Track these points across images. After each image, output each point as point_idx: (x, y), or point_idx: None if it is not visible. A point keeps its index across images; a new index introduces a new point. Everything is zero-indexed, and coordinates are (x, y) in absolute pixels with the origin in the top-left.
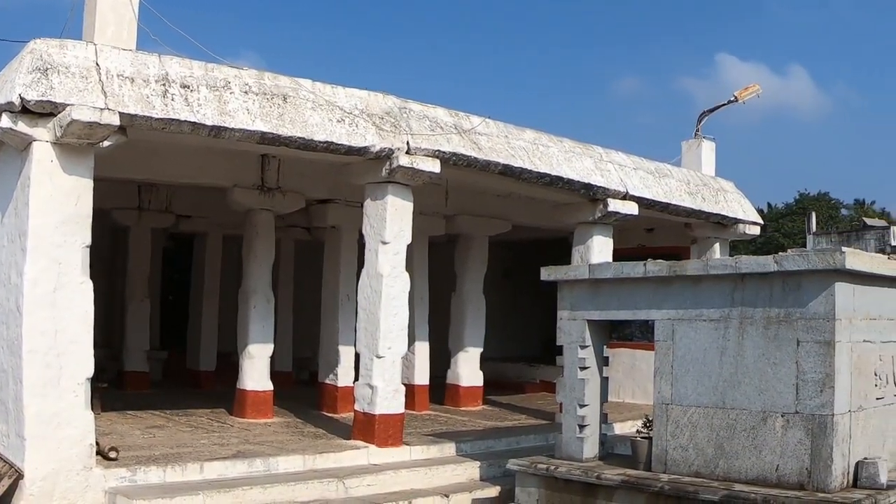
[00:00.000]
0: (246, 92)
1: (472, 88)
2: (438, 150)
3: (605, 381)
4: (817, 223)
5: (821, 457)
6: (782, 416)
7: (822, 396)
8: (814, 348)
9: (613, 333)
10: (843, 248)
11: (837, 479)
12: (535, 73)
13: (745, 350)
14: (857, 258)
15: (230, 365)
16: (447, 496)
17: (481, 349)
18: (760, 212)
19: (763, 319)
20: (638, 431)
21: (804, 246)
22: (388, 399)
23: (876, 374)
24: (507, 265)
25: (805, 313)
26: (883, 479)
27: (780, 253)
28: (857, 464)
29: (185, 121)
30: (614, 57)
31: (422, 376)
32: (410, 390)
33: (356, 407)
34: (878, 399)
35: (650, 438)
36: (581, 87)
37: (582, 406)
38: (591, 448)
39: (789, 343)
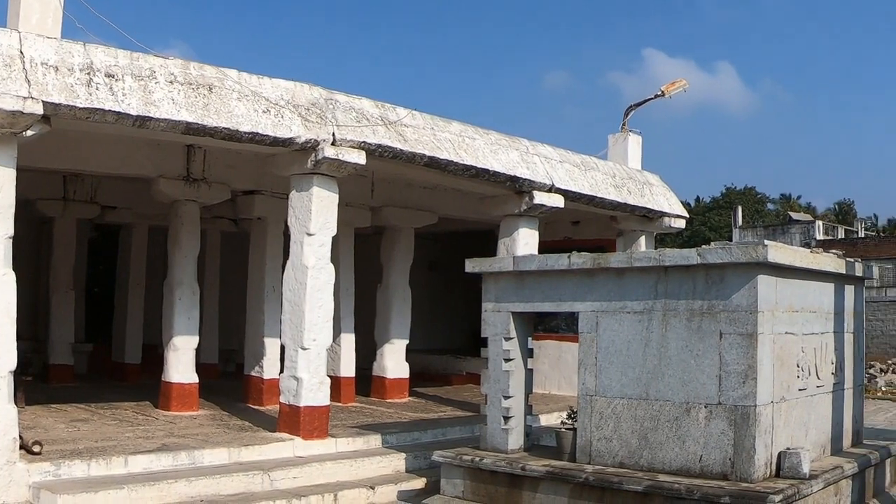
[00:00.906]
0: (171, 82)
1: (400, 81)
2: (364, 142)
3: (529, 373)
4: (744, 217)
5: (744, 447)
6: (706, 407)
7: (744, 388)
8: (736, 340)
9: (539, 325)
10: (766, 242)
11: (760, 469)
12: (463, 67)
13: (669, 342)
14: (780, 251)
15: (156, 357)
16: (373, 488)
17: (407, 341)
18: (687, 205)
19: (686, 311)
20: (563, 423)
21: (730, 239)
22: (313, 391)
23: (798, 366)
24: (433, 257)
25: (728, 305)
26: (805, 468)
27: (704, 246)
28: (779, 454)
29: (110, 110)
30: (543, 51)
31: (348, 368)
32: (336, 382)
33: (281, 399)
34: (800, 390)
35: (575, 430)
36: (510, 82)
37: (507, 398)
38: (516, 439)
39: (712, 335)
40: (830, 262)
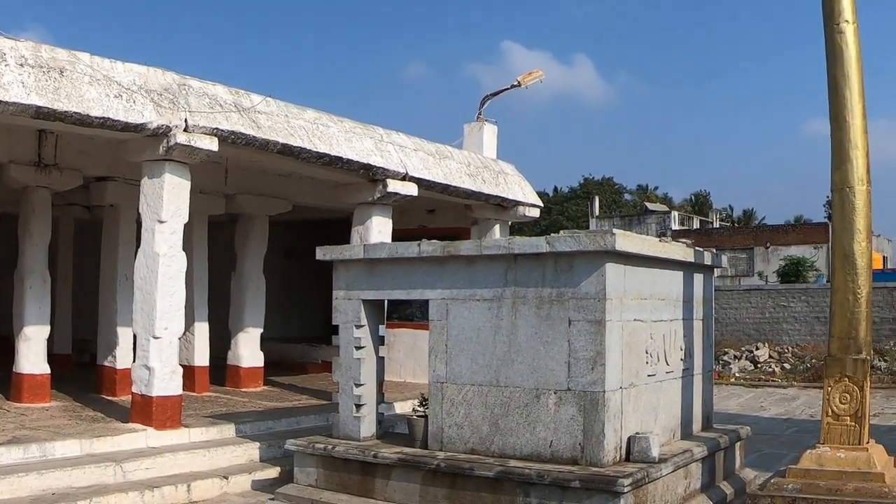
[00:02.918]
0: (21, 64)
1: (258, 73)
2: (217, 128)
3: (381, 361)
4: (601, 207)
5: (593, 432)
6: (555, 393)
7: (593, 374)
8: (585, 327)
9: (395, 314)
10: (614, 230)
11: (610, 453)
12: (321, 58)
13: (519, 329)
14: (628, 240)
15: (7, 348)
16: (227, 478)
17: (262, 329)
18: (545, 195)
19: (536, 299)
20: (414, 410)
21: (588, 229)
22: (165, 381)
23: (647, 352)
24: (289, 245)
25: (577, 293)
26: (654, 452)
27: (553, 234)
28: (629, 438)
29: None
30: (402, 42)
31: (201, 357)
32: (190, 372)
33: (133, 389)
34: (649, 376)
35: (427, 417)
36: (369, 71)
37: (358, 385)
38: (368, 427)
39: (561, 322)
40: (679, 250)
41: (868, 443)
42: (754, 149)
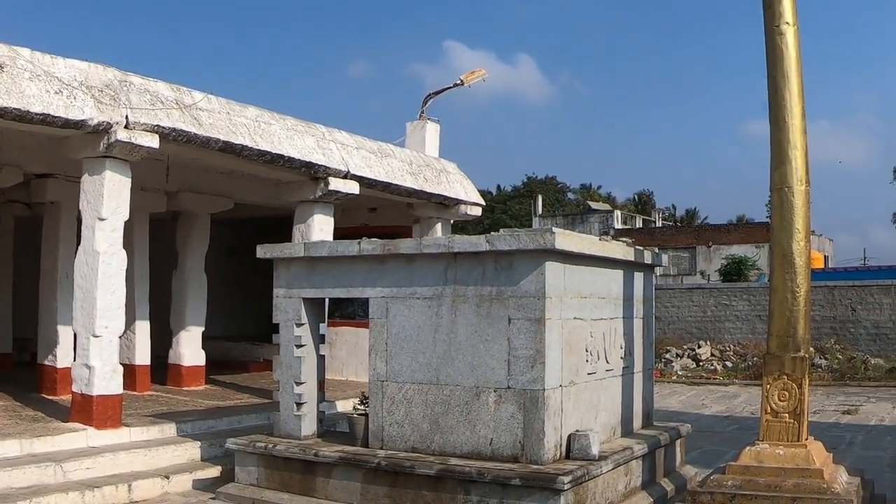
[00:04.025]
0: None
1: (199, 70)
2: (158, 125)
3: (322, 359)
4: (544, 206)
5: (533, 430)
6: (495, 391)
7: (533, 372)
8: (525, 325)
9: (337, 312)
10: (554, 229)
11: (550, 451)
12: (265, 56)
13: (459, 327)
14: (567, 239)
15: None
16: (168, 478)
17: (203, 328)
18: (488, 194)
19: (476, 297)
20: (355, 408)
21: (531, 227)
22: (105, 379)
23: (587, 350)
24: (231, 243)
25: (516, 292)
26: (595, 450)
27: (493, 233)
28: (569, 436)
29: None
30: (345, 42)
31: (143, 356)
32: (131, 370)
33: (74, 388)
34: (589, 374)
35: (367, 415)
36: (313, 72)
37: (299, 384)
38: (309, 426)
39: (501, 320)
40: (619, 249)
41: (807, 439)
42: (696, 149)
